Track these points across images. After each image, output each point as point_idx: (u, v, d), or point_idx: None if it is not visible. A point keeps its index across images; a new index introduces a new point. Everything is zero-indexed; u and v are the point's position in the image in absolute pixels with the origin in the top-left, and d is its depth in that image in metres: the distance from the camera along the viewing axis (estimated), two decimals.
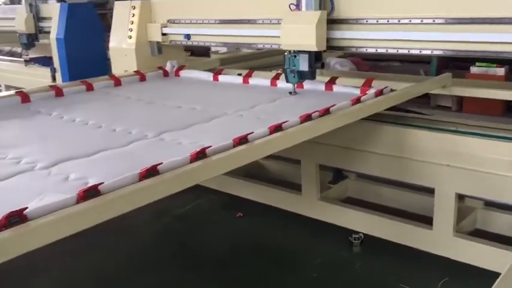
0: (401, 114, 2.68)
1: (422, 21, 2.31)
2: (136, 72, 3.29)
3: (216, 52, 4.97)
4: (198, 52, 4.98)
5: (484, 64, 3.98)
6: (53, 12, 4.55)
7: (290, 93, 2.69)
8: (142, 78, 3.28)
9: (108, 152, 1.86)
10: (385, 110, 2.44)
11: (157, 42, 3.47)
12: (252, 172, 3.28)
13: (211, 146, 1.65)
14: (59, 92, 2.88)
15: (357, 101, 2.29)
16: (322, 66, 2.66)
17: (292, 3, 2.61)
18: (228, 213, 3.11)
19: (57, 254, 2.54)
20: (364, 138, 2.55)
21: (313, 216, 2.83)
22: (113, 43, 3.57)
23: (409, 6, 2.36)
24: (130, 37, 3.44)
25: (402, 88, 2.55)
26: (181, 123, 2.20)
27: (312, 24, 2.49)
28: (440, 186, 2.36)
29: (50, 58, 4.70)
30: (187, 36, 3.31)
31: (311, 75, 2.60)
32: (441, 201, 2.36)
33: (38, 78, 4.88)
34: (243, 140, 1.75)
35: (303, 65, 2.57)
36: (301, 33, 2.54)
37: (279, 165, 3.36)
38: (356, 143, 2.58)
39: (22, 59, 5.20)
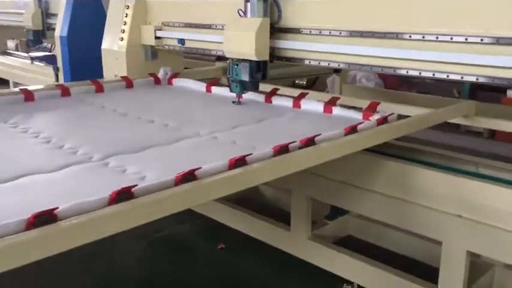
0: (409, 146, 2.27)
1: (384, 35, 2.10)
2: (123, 78, 2.98)
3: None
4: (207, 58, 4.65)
5: None
6: (60, 9, 4.32)
7: (233, 102, 2.54)
8: (129, 85, 2.97)
9: (36, 177, 1.53)
10: None
11: (151, 46, 3.15)
12: (245, 196, 2.91)
13: (136, 185, 1.30)
14: (29, 97, 2.60)
15: (352, 129, 1.90)
16: (263, 77, 2.45)
17: (240, 9, 2.43)
18: (209, 242, 2.76)
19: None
20: (361, 172, 2.16)
21: (301, 257, 2.43)
22: (104, 44, 3.29)
23: (358, 18, 2.19)
24: (122, 39, 3.15)
25: (412, 116, 2.14)
26: (140, 143, 1.88)
27: (251, 31, 2.34)
28: (448, 241, 1.93)
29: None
30: (181, 41, 2.98)
31: (252, 85, 2.46)
32: (448, 258, 1.94)
33: (42, 76, 4.69)
34: (187, 178, 1.40)
35: (244, 75, 2.42)
36: (241, 41, 2.40)
37: (273, 191, 2.98)
38: (352, 177, 2.19)
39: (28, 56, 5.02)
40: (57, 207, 1.12)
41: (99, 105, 2.57)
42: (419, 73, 2.03)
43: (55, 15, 4.63)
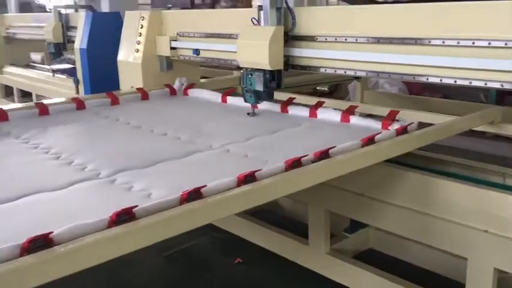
0: (431, 156, 2.16)
1: (402, 41, 2.00)
2: (139, 89, 2.96)
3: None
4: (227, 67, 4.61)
5: None
6: (80, 22, 4.35)
7: (248, 113, 2.47)
8: (145, 96, 2.94)
9: (40, 196, 1.50)
10: None
11: (167, 57, 3.12)
12: (263, 208, 2.84)
13: (137, 206, 1.24)
14: (43, 111, 2.59)
15: (369, 140, 1.81)
16: (278, 86, 2.38)
17: (254, 17, 2.37)
18: (226, 256, 2.69)
19: None
20: (381, 184, 2.06)
21: (319, 272, 2.34)
22: (120, 56, 3.27)
23: (375, 24, 2.11)
24: (137, 50, 3.12)
25: (434, 126, 2.04)
26: (150, 158, 1.84)
27: (265, 40, 2.27)
28: (474, 258, 1.81)
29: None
30: (196, 52, 2.93)
31: (267, 95, 2.40)
32: (475, 275, 1.82)
33: (63, 89, 4.72)
34: (192, 196, 1.33)
35: (258, 85, 2.37)
36: (255, 50, 2.34)
37: (292, 203, 2.90)
38: (371, 189, 2.09)
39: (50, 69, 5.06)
40: (52, 232, 1.07)
41: (113, 118, 2.55)
42: (440, 80, 1.93)
43: (75, 27, 4.67)
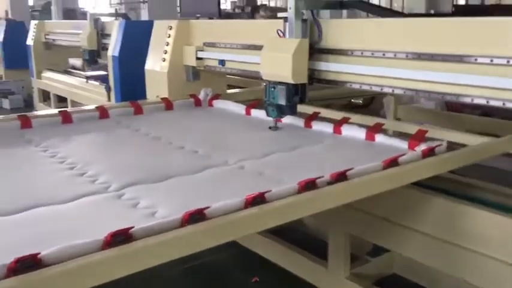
0: (460, 179, 2.02)
1: (419, 56, 1.95)
2: (163, 99, 2.93)
3: None
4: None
5: None
6: (113, 29, 4.40)
7: (270, 128, 2.39)
8: (169, 107, 2.91)
9: (44, 210, 1.47)
10: None
11: (193, 67, 3.09)
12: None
13: (133, 227, 1.17)
14: (66, 119, 2.59)
15: (392, 162, 1.69)
16: (301, 101, 2.31)
17: (279, 29, 2.29)
18: (244, 274, 2.61)
19: None
20: (405, 208, 1.94)
21: None
22: (147, 65, 3.27)
23: (405, 38, 2.03)
24: (164, 60, 3.11)
25: (463, 149, 1.91)
26: (163, 172, 1.79)
27: (288, 53, 2.20)
28: None
29: None
30: (222, 62, 2.89)
31: (290, 110, 2.31)
32: None
33: (96, 95, 4.79)
34: (194, 217, 1.26)
35: (281, 98, 2.29)
36: (278, 63, 2.27)
37: (315, 221, 2.79)
38: (395, 213, 1.97)
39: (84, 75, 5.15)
40: (40, 252, 1.03)
41: (134, 128, 2.52)
42: (487, 101, 1.80)
43: (110, 35, 4.74)
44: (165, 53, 3.10)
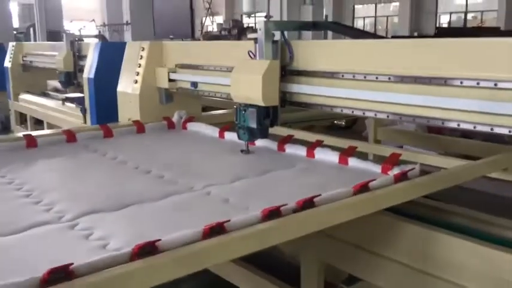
0: (435, 205, 1.95)
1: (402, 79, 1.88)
2: (135, 122, 2.85)
3: None
4: None
5: None
6: (89, 51, 4.32)
7: (242, 151, 2.33)
8: (140, 129, 2.83)
9: None
10: None
11: (166, 89, 3.01)
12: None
13: (72, 264, 1.08)
14: (31, 143, 2.49)
15: (362, 187, 1.62)
16: (272, 124, 2.24)
17: (250, 51, 2.23)
18: None
19: None
20: (378, 235, 1.85)
21: None
22: (120, 87, 3.18)
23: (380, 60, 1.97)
24: (136, 81, 3.03)
25: (437, 172, 1.86)
26: (122, 200, 1.71)
27: (258, 75, 2.13)
28: None
29: None
30: (194, 84, 2.82)
31: (261, 133, 2.26)
32: None
33: (72, 117, 4.67)
34: (145, 251, 1.17)
35: (251, 121, 2.23)
36: (248, 85, 2.21)
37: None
38: (368, 240, 1.89)
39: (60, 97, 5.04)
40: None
41: (101, 152, 2.43)
42: (474, 127, 1.72)
43: (85, 57, 4.66)
44: (137, 75, 3.02)
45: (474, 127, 1.72)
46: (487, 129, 1.68)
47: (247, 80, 2.20)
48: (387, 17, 26.10)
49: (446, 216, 1.92)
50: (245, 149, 2.33)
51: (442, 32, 14.18)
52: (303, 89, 2.25)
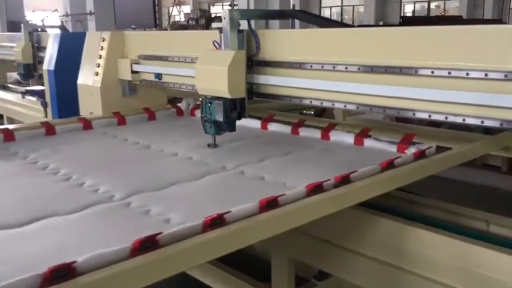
0: (407, 197, 1.93)
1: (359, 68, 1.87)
2: (145, 110, 2.83)
3: None
4: None
5: None
6: (49, 42, 4.14)
7: (208, 145, 2.23)
8: (151, 117, 2.83)
9: (53, 220, 1.41)
10: None
11: (129, 81, 2.90)
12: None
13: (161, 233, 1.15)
14: (50, 131, 2.46)
15: (388, 164, 1.72)
16: (240, 117, 2.14)
17: (215, 40, 2.14)
18: None
19: None
20: (348, 230, 1.82)
21: None
22: (80, 79, 3.04)
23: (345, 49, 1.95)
24: (97, 74, 2.90)
25: (453, 150, 1.98)
26: (163, 180, 1.76)
27: (223, 66, 2.05)
28: None
29: None
30: (158, 76, 2.71)
31: (228, 126, 2.15)
32: None
33: (32, 111, 4.48)
34: (216, 222, 1.24)
35: (218, 114, 2.12)
36: (213, 76, 2.12)
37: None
38: (338, 236, 1.84)
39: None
40: (75, 261, 1.00)
41: (121, 138, 2.46)
42: (446, 118, 1.69)
43: (45, 48, 4.47)
44: (98, 67, 2.89)
45: (446, 118, 1.69)
46: (459, 119, 1.65)
47: (212, 72, 2.11)
48: (353, 6, 26.28)
49: (418, 209, 1.90)
50: (212, 142, 2.24)
51: (406, 21, 14.31)
52: (271, 80, 2.18)
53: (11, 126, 2.48)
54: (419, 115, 1.76)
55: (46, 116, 4.22)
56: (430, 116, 1.73)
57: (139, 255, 1.07)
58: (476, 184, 4.07)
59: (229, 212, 1.26)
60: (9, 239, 1.29)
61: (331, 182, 1.53)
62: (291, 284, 2.09)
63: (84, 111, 3.00)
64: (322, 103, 2.09)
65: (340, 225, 1.82)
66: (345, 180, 1.56)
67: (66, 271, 0.97)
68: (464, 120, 1.64)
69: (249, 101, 2.22)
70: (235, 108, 2.14)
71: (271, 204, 1.35)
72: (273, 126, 2.55)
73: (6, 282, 0.94)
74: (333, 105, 2.05)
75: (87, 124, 2.61)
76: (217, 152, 2.15)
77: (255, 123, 2.60)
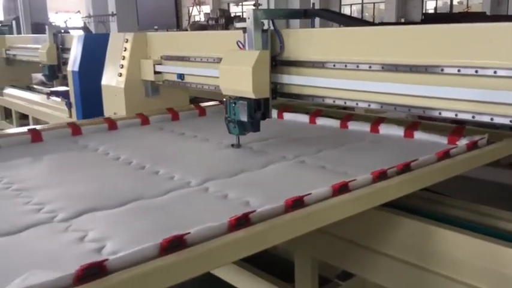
0: (433, 197, 1.90)
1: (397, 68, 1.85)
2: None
3: None
4: None
5: None
6: (73, 43, 4.20)
7: (232, 145, 2.22)
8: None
9: (141, 203, 1.55)
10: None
11: (152, 82, 2.93)
12: None
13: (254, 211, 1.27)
14: (112, 125, 2.61)
15: (445, 154, 1.76)
16: (264, 117, 2.13)
17: (239, 40, 2.15)
18: None
19: None
20: (373, 231, 1.80)
21: None
22: (104, 80, 3.09)
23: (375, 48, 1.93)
24: (120, 74, 2.94)
25: (503, 141, 1.98)
26: (230, 168, 1.87)
27: (248, 66, 2.05)
28: None
29: None
30: (181, 76, 2.73)
31: (252, 126, 2.14)
32: None
33: (57, 112, 4.56)
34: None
35: (242, 115, 2.12)
36: (237, 77, 2.12)
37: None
38: (363, 236, 1.83)
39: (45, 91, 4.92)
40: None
41: (178, 132, 2.56)
42: (473, 117, 1.70)
43: (69, 49, 4.54)
44: (122, 68, 2.93)
45: (473, 117, 1.70)
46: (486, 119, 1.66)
47: (236, 72, 2.12)
48: (374, 3, 26.02)
49: (443, 209, 1.87)
50: (236, 142, 2.25)
51: (428, 18, 14.10)
52: (295, 80, 2.18)
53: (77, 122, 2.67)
54: (445, 114, 1.75)
55: (70, 116, 4.28)
56: (456, 115, 1.72)
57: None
58: (501, 184, 3.99)
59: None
60: (109, 218, 1.41)
61: (394, 170, 1.60)
62: (315, 284, 2.08)
63: (108, 112, 3.05)
64: (345, 102, 2.09)
65: (364, 225, 1.80)
66: (406, 168, 1.63)
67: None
68: (492, 119, 1.62)
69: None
70: (259, 109, 2.14)
71: (343, 188, 1.44)
72: (321, 121, 2.62)
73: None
74: (357, 104, 2.04)
75: (145, 120, 2.72)
76: (273, 144, 2.23)
77: (303, 118, 2.68)
